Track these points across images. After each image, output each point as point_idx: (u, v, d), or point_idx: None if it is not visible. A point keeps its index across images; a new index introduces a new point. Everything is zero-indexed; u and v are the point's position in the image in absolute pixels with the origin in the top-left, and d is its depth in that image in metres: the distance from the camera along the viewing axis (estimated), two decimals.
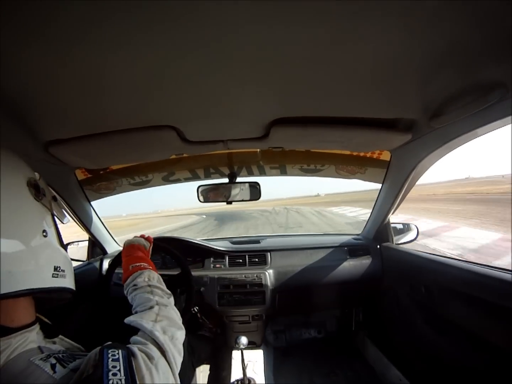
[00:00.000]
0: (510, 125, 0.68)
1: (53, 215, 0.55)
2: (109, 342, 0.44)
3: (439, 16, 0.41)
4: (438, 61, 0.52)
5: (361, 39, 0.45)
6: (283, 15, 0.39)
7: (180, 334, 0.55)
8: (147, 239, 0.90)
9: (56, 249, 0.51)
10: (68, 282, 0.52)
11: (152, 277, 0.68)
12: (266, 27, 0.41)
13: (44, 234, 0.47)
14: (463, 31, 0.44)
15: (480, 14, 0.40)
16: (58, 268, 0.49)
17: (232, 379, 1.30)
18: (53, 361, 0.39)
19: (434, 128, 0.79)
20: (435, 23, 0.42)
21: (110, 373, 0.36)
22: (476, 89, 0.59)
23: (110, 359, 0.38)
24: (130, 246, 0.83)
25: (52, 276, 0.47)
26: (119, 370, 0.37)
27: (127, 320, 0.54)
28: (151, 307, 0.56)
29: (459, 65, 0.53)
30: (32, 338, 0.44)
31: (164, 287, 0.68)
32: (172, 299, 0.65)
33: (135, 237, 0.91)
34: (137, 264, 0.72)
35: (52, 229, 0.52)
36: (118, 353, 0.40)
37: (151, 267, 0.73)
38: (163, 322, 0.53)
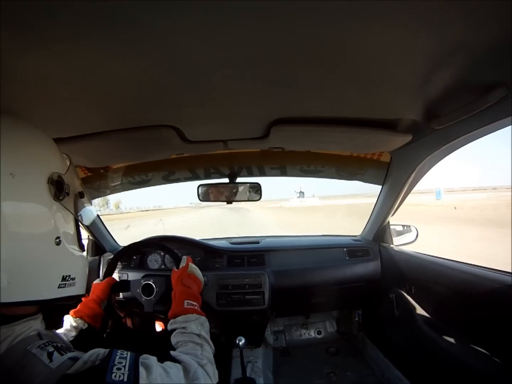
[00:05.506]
0: (510, 126, 0.68)
1: (75, 216, 0.51)
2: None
3: (439, 16, 0.41)
4: (438, 61, 0.52)
5: (361, 39, 0.45)
6: (283, 15, 0.39)
7: None
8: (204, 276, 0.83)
9: (69, 256, 0.47)
10: (76, 289, 0.49)
11: (205, 326, 0.64)
12: (266, 27, 0.41)
13: (57, 241, 0.44)
14: (463, 31, 0.44)
15: (480, 14, 0.40)
16: (68, 277, 0.46)
17: (232, 380, 1.29)
18: (51, 349, 0.38)
19: (434, 129, 0.79)
20: (435, 23, 0.42)
21: (115, 367, 0.37)
22: (476, 89, 0.59)
23: (118, 356, 0.39)
24: (192, 277, 0.77)
25: (59, 287, 0.45)
26: (124, 366, 0.38)
27: (173, 353, 0.52)
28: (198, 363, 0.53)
29: (459, 64, 0.53)
30: (36, 326, 0.43)
31: (209, 338, 0.63)
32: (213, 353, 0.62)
33: (196, 266, 0.82)
34: (193, 303, 0.68)
35: (70, 232, 0.49)
36: (126, 354, 0.41)
37: (203, 313, 0.69)
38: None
